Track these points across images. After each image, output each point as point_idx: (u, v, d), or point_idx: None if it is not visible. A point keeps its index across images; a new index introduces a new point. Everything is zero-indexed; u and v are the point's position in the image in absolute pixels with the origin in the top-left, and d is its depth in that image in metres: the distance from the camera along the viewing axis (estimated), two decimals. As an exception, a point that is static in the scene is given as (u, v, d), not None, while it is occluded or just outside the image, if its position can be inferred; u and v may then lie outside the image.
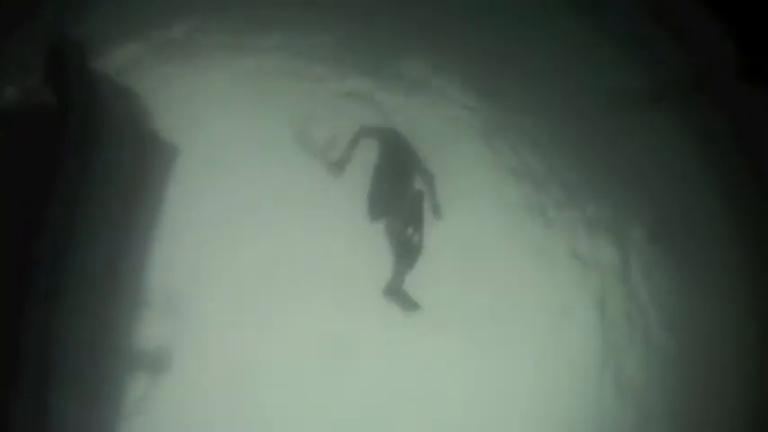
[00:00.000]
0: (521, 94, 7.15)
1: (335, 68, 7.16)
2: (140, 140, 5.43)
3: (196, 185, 6.30)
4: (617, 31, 6.46)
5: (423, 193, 6.41)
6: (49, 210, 4.97)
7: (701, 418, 6.56)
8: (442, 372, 7.34)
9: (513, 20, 6.60)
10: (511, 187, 7.91)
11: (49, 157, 5.02)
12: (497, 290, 7.82)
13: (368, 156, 6.38)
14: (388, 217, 6.35)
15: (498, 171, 7.88)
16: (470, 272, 7.73)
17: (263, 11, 6.55)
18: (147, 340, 5.86)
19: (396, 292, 6.25)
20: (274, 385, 6.55)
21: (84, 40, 5.14)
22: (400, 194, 6.36)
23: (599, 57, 6.63)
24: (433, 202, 6.48)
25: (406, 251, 6.27)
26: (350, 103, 7.30)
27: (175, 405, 5.95)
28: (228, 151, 6.64)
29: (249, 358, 6.44)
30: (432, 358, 7.34)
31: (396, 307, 6.30)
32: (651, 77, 6.57)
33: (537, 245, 7.94)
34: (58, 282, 4.93)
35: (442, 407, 7.17)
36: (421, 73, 7.40)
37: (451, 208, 6.76)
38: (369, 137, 6.57)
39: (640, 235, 7.58)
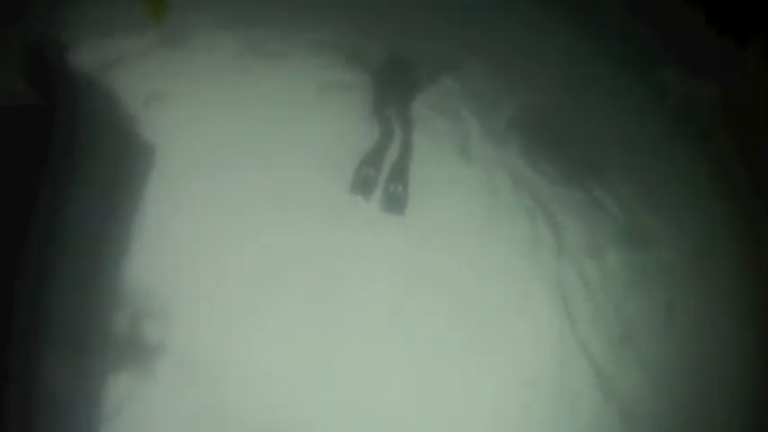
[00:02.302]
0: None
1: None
2: (121, 141, 5.55)
3: (184, 186, 6.35)
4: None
5: None
6: (34, 210, 5.13)
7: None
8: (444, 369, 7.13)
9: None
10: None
11: (34, 157, 5.18)
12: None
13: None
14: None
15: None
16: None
17: (253, 9, 6.61)
18: (132, 340, 5.95)
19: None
20: (263, 385, 6.52)
21: (66, 41, 5.28)
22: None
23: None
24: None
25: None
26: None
27: (159, 405, 5.97)
28: (216, 151, 6.66)
29: (237, 358, 6.41)
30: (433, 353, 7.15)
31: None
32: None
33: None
34: (42, 282, 5.09)
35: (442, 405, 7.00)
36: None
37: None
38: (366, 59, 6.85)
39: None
